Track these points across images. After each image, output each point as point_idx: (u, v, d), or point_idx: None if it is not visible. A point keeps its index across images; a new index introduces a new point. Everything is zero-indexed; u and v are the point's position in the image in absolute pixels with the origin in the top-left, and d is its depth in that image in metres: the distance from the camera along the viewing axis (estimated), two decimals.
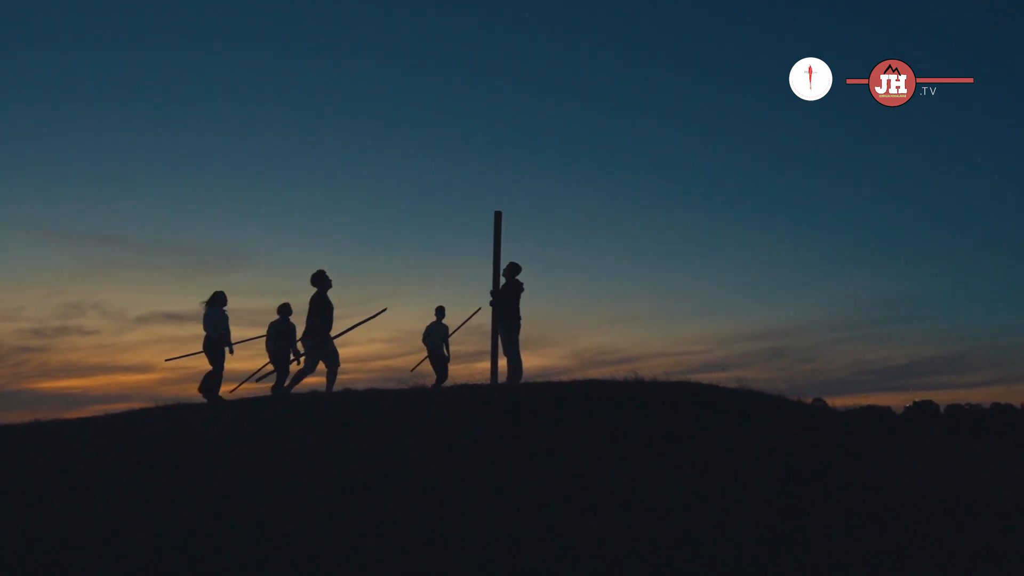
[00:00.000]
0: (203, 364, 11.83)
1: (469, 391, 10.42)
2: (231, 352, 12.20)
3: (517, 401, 9.33)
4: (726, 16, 53.21)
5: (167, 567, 5.20)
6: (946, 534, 6.14)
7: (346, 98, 52.67)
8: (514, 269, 12.27)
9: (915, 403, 56.58)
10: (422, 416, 8.84)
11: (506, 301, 12.09)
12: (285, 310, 12.72)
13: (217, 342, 11.88)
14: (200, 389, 11.92)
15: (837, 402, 12.08)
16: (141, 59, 44.93)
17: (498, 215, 12.61)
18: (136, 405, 11.24)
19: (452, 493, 6.51)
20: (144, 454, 7.86)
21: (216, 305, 12.14)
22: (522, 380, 11.80)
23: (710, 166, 61.77)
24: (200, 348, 12.05)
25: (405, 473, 7.03)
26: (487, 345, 12.36)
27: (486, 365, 12.35)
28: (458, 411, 8.96)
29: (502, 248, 12.52)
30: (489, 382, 12.07)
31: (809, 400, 11.58)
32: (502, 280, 12.32)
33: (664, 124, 60.21)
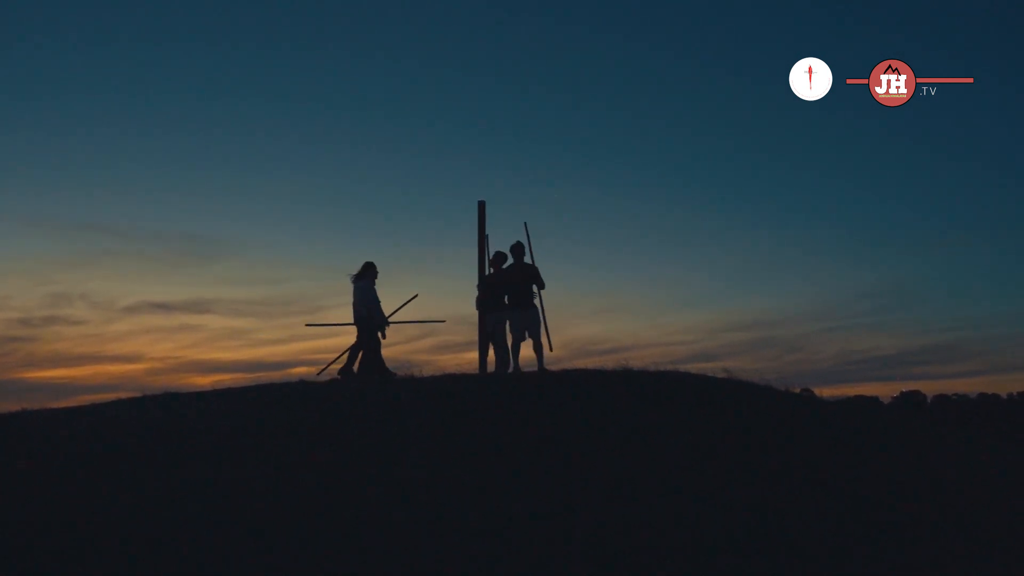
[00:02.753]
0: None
1: (458, 381, 10.42)
2: (382, 333, 12.10)
3: (507, 391, 9.35)
4: (726, 15, 53.14)
5: (159, 559, 5.19)
6: (933, 523, 6.18)
7: (333, 89, 52.37)
8: (501, 258, 12.25)
9: (902, 393, 56.90)
10: (413, 406, 8.84)
11: (495, 292, 12.09)
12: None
13: (367, 317, 11.78)
14: (341, 372, 11.87)
15: (825, 392, 12.17)
16: (130, 50, 44.54)
17: (482, 204, 12.61)
18: (124, 395, 11.18)
19: (445, 482, 6.51)
20: (134, 444, 7.83)
21: (367, 278, 12.03)
22: (510, 370, 11.82)
23: (702, 160, 61.76)
24: (350, 321, 11.99)
25: (398, 463, 7.02)
26: (475, 335, 12.38)
27: (474, 355, 12.37)
28: (447, 401, 8.96)
29: (488, 238, 12.53)
30: (478, 372, 12.10)
31: (797, 390, 11.64)
32: (489, 270, 12.30)
33: (658, 119, 60.14)
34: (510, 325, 11.74)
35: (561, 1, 53.10)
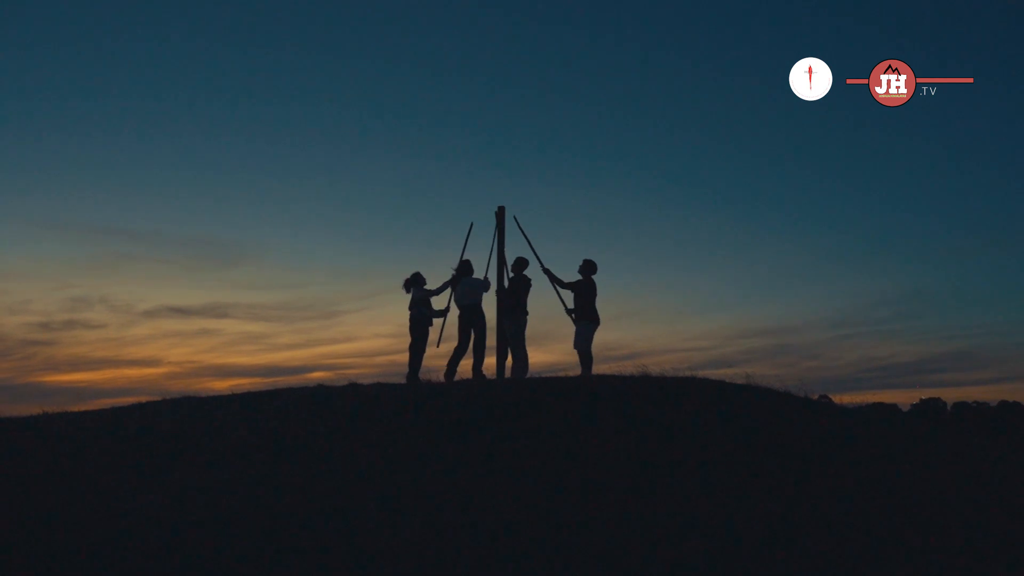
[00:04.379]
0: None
1: (475, 386, 10.41)
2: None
3: (524, 396, 9.32)
4: (726, 15, 53.02)
5: (175, 559, 5.21)
6: (953, 531, 6.12)
7: (351, 93, 52.49)
8: (521, 264, 12.29)
9: (922, 400, 56.33)
10: (429, 411, 8.84)
11: (514, 296, 12.12)
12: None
13: (474, 307, 12.04)
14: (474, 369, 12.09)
15: (844, 399, 12.04)
16: (148, 53, 44.81)
17: (501, 210, 12.64)
18: (143, 399, 11.25)
19: (460, 489, 6.51)
20: (151, 448, 7.87)
21: (469, 274, 12.29)
22: (528, 375, 11.82)
23: (716, 164, 61.46)
24: (457, 318, 12.15)
25: (412, 469, 7.02)
26: (492, 339, 12.39)
27: (491, 360, 12.37)
28: (465, 406, 8.95)
29: (507, 244, 12.58)
30: (495, 377, 12.09)
31: (815, 397, 11.54)
32: (510, 275, 12.34)
33: (668, 122, 59.89)
34: (577, 335, 12.05)
35: (576, 9, 53.13)
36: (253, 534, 5.60)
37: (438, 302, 12.52)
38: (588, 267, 12.17)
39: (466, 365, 12.21)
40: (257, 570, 5.05)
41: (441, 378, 11.86)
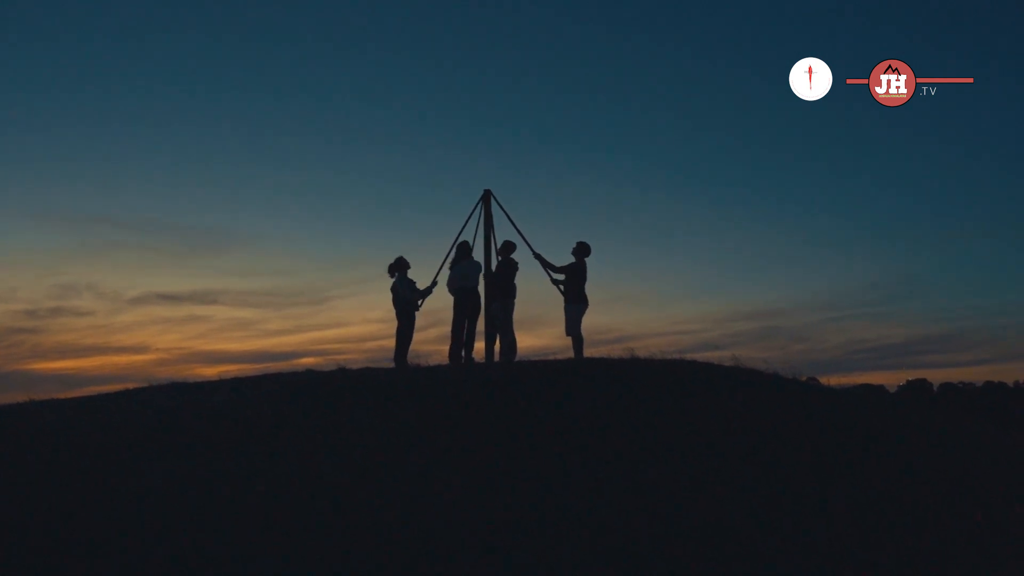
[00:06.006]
0: None
1: (464, 369, 10.42)
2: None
3: (514, 380, 9.33)
4: (727, 14, 53.07)
5: (163, 548, 5.19)
6: (940, 512, 6.17)
7: (339, 83, 52.31)
8: (508, 248, 12.28)
9: (909, 382, 56.79)
10: (418, 395, 8.83)
11: (501, 279, 12.12)
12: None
13: (474, 290, 12.10)
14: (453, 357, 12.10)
15: (832, 381, 12.14)
16: (137, 42, 44.45)
17: (487, 193, 12.61)
18: (131, 385, 11.20)
19: (449, 472, 6.51)
20: (139, 435, 7.84)
21: (468, 256, 12.30)
22: (517, 358, 11.84)
23: (708, 153, 61.89)
24: (454, 298, 12.19)
25: (402, 454, 7.02)
26: (480, 324, 12.39)
27: (480, 344, 12.39)
28: (454, 389, 8.95)
29: (495, 227, 12.58)
30: (484, 360, 12.10)
31: (803, 378, 11.61)
32: (497, 259, 12.34)
33: (662, 111, 60.16)
34: (568, 319, 12.10)
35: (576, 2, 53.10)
36: (243, 520, 5.59)
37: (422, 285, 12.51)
38: (582, 249, 12.15)
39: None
40: (247, 557, 5.04)
41: (428, 363, 11.86)
